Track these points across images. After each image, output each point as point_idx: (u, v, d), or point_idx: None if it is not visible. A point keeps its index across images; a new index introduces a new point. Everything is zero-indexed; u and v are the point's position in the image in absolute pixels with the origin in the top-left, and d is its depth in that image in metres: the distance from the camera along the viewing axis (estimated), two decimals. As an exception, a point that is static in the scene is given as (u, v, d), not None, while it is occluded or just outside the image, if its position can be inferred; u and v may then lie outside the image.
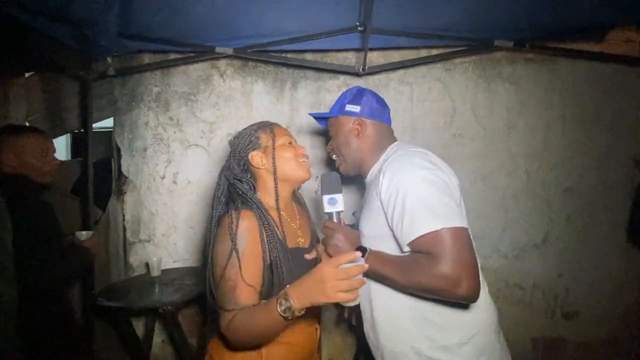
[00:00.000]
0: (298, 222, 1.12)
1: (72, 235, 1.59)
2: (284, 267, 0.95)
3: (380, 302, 1.05)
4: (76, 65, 1.82)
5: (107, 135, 2.34)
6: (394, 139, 1.18)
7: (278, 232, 0.99)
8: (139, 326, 2.03)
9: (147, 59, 2.05)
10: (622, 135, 2.10)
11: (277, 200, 1.04)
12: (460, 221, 0.91)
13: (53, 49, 1.68)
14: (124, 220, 2.12)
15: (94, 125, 2.04)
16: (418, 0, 1.53)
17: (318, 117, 1.33)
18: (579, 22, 1.75)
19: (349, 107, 1.16)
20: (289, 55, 2.01)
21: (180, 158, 2.10)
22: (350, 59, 2.08)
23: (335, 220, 1.08)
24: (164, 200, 2.11)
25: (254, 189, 1.08)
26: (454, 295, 0.89)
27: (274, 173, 1.04)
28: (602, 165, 2.10)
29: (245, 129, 1.11)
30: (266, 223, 0.97)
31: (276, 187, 1.04)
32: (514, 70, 2.08)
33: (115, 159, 2.14)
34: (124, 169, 2.10)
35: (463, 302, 0.95)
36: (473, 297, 0.89)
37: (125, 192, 2.11)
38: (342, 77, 2.09)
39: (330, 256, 1.01)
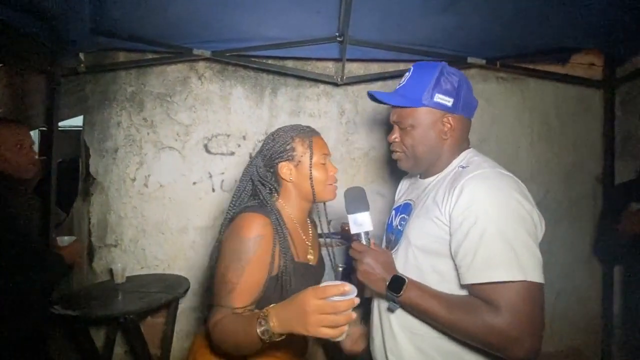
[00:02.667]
0: (310, 238, 1.07)
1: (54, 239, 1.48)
2: (292, 280, 0.92)
3: (403, 336, 0.93)
4: (44, 60, 1.74)
5: (74, 134, 2.25)
6: (468, 143, 1.00)
7: (291, 245, 0.96)
8: (99, 336, 1.92)
9: (122, 57, 1.99)
10: (585, 154, 2.22)
11: (299, 214, 1.03)
12: (541, 276, 0.78)
13: (20, 41, 1.60)
14: (89, 223, 2.02)
15: (62, 123, 1.95)
16: (396, 14, 1.57)
17: (378, 100, 1.04)
18: (545, 45, 1.85)
19: (440, 98, 0.91)
20: (270, 61, 2.01)
21: (152, 160, 2.04)
22: (330, 68, 2.10)
23: (363, 241, 0.93)
24: (134, 204, 2.03)
25: (277, 195, 1.03)
26: (507, 354, 0.78)
27: (310, 193, 1.00)
28: (567, 182, 2.20)
29: (283, 131, 1.02)
30: (281, 234, 0.94)
31: (312, 206, 1.03)
32: (486, 87, 2.17)
33: (83, 159, 2.04)
34: (92, 170, 2.01)
35: None
36: (530, 358, 0.78)
37: (92, 194, 2.02)
38: (321, 86, 2.11)
39: (360, 282, 0.89)
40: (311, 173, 0.98)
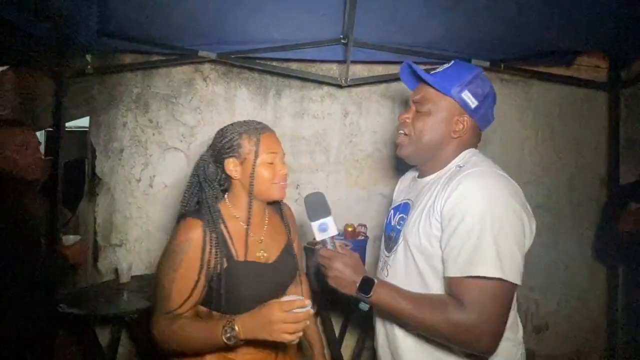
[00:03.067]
0: (264, 235, 1.05)
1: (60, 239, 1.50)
2: (223, 283, 0.93)
3: (404, 334, 0.94)
4: (52, 62, 1.77)
5: (80, 135, 2.27)
6: (471, 146, 0.99)
7: (230, 245, 0.97)
8: (104, 335, 1.94)
9: (128, 58, 2.01)
10: (590, 156, 2.21)
11: (250, 213, 0.99)
12: (517, 278, 0.79)
13: (29, 43, 1.62)
14: (95, 223, 2.04)
15: (69, 124, 1.98)
16: (400, 16, 1.58)
17: (414, 74, 1.02)
18: (550, 47, 1.85)
19: (467, 96, 0.91)
20: (274, 63, 2.02)
21: (157, 161, 2.05)
22: (334, 70, 2.12)
23: (329, 246, 0.94)
24: (139, 204, 2.05)
25: (223, 193, 1.03)
26: (469, 347, 0.82)
27: (249, 192, 0.99)
28: (571, 184, 2.20)
29: (232, 126, 1.02)
30: (213, 236, 0.93)
31: (250, 204, 0.99)
32: (490, 89, 2.17)
33: (89, 160, 2.07)
34: (97, 170, 2.03)
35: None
36: (489, 354, 0.82)
37: (97, 194, 2.04)
38: (325, 88, 2.12)
39: (331, 287, 0.91)
40: (253, 171, 0.97)
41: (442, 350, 0.89)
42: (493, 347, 0.80)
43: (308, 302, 0.83)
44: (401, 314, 0.85)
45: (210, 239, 0.93)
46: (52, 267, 1.35)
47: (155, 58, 1.99)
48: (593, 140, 2.21)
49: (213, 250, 0.93)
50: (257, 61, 1.98)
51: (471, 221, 0.80)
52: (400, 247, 0.96)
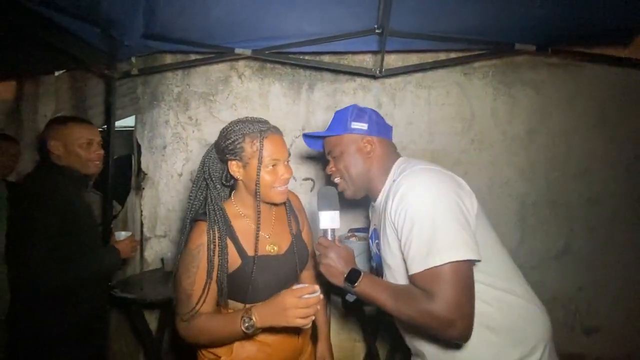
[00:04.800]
0: (272, 230, 1.08)
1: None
2: (241, 277, 0.99)
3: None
4: (102, 65, 1.90)
5: (126, 134, 2.42)
6: (398, 155, 1.11)
7: (241, 243, 1.01)
8: (152, 320, 2.07)
9: (168, 59, 2.11)
10: (651, 144, 2.01)
11: (258, 216, 1.00)
12: (465, 252, 0.85)
13: (81, 48, 1.75)
14: (141, 215, 2.18)
15: (116, 123, 2.11)
16: (437, 2, 1.51)
17: (312, 137, 1.19)
18: (605, 26, 1.69)
19: (356, 125, 1.07)
20: (307, 57, 2.03)
21: (197, 156, 2.14)
22: (367, 61, 2.08)
23: (330, 237, 1.02)
24: (181, 197, 2.15)
25: (229, 192, 1.07)
26: (445, 336, 0.87)
27: (254, 196, 0.99)
28: (627, 175, 2.02)
29: (236, 126, 1.00)
30: (218, 237, 0.97)
31: (258, 208, 1.00)
32: (535, 75, 2.03)
33: (135, 156, 2.20)
34: (143, 166, 2.16)
35: (454, 342, 0.91)
36: (464, 339, 0.87)
37: (143, 188, 2.17)
38: (358, 80, 2.09)
39: (322, 274, 0.99)
40: (258, 178, 0.98)
41: (462, 352, 0.92)
42: (466, 331, 0.85)
43: (317, 287, 0.89)
44: (384, 306, 0.92)
45: (216, 240, 0.97)
46: (107, 261, 1.43)
47: (193, 57, 2.07)
48: (655, 127, 2.01)
49: (217, 251, 0.97)
50: (290, 56, 2.00)
51: (412, 218, 0.89)
52: (386, 272, 1.03)
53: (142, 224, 2.18)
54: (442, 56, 2.00)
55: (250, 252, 1.01)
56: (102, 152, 1.48)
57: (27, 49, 1.79)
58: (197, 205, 1.04)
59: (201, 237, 0.97)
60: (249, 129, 0.99)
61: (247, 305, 0.93)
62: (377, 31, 1.69)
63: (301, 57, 2.02)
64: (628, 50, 1.95)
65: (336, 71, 2.05)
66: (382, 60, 1.89)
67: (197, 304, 0.95)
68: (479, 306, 0.86)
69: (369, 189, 1.09)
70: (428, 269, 0.85)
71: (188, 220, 1.03)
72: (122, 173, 2.21)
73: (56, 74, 2.18)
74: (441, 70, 2.04)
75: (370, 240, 1.16)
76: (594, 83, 2.02)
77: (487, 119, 2.05)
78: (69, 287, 1.31)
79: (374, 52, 2.03)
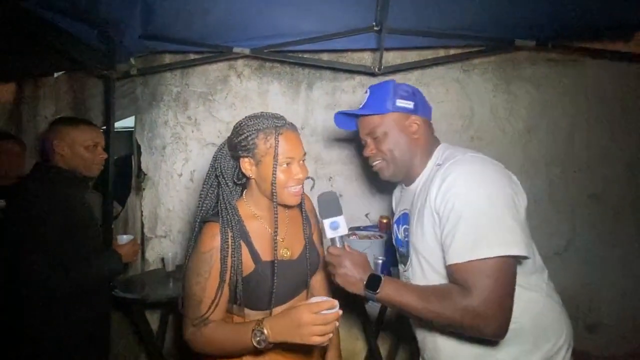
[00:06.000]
0: (286, 233, 1.02)
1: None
2: (253, 282, 0.93)
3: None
4: (101, 66, 1.90)
5: (127, 134, 2.42)
6: (438, 140, 1.06)
7: (254, 246, 0.95)
8: (153, 320, 2.08)
9: (167, 59, 2.11)
10: (653, 140, 2.00)
11: (275, 220, 0.92)
12: (518, 248, 0.81)
13: (80, 49, 1.75)
14: (142, 216, 2.18)
15: (116, 124, 2.12)
16: (435, -1, 1.51)
17: (348, 114, 1.10)
18: (605, 21, 1.68)
19: (402, 103, 0.99)
20: (305, 55, 2.02)
21: (197, 156, 2.15)
22: (366, 59, 2.08)
23: (338, 245, 0.95)
24: (181, 197, 2.16)
25: (241, 190, 1.01)
26: (480, 332, 0.83)
27: (270, 198, 0.93)
28: (630, 171, 2.00)
29: (249, 122, 0.94)
30: (231, 240, 0.91)
31: (275, 210, 0.92)
32: (535, 71, 2.02)
33: (135, 157, 2.21)
34: (143, 167, 2.16)
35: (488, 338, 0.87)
36: (500, 336, 0.83)
37: (143, 189, 2.17)
38: (357, 78, 2.08)
39: (338, 285, 0.93)
40: (274, 178, 0.90)
41: (480, 347, 0.89)
42: (503, 328, 0.81)
43: (336, 302, 0.80)
44: (409, 308, 0.87)
45: (229, 243, 0.91)
46: (109, 266, 1.41)
47: (192, 57, 2.07)
48: (657, 123, 1.99)
49: (230, 254, 0.91)
50: (289, 54, 1.99)
51: (461, 208, 0.84)
52: (413, 259, 0.98)
53: (142, 225, 2.18)
54: (441, 53, 1.99)
55: (264, 256, 0.95)
56: (105, 155, 1.48)
57: (26, 50, 1.80)
58: (207, 204, 0.98)
59: (213, 240, 0.91)
60: (263, 124, 0.93)
61: (259, 318, 0.86)
62: (375, 28, 1.68)
63: (300, 55, 2.01)
64: (628, 45, 1.93)
65: (335, 69, 2.05)
66: (381, 57, 1.88)
67: (207, 310, 0.89)
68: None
69: (409, 170, 1.02)
70: (471, 261, 0.81)
71: (198, 221, 0.97)
72: (123, 174, 2.21)
73: (55, 75, 2.19)
74: (440, 67, 2.03)
75: (395, 226, 1.11)
76: (594, 78, 2.01)
77: (487, 116, 2.04)
78: (71, 293, 1.30)
79: (372, 50, 2.02)
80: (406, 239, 1.02)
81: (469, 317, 0.80)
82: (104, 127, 2.04)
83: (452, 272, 0.85)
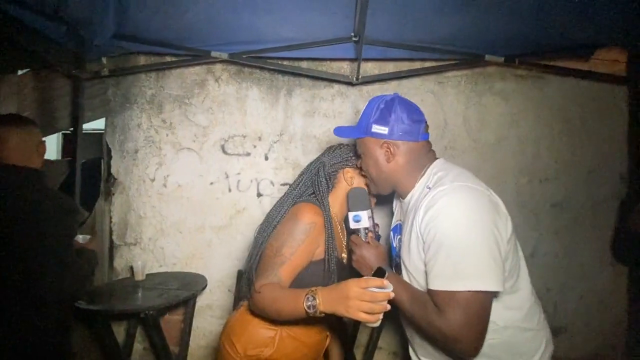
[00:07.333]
0: (345, 238, 1.22)
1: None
2: (335, 269, 1.07)
3: None
4: (70, 65, 1.82)
5: (97, 137, 2.32)
6: (434, 156, 1.07)
7: (335, 238, 1.10)
8: (120, 332, 1.98)
9: (142, 60, 2.05)
10: (609, 152, 2.14)
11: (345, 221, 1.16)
12: (489, 283, 0.85)
13: (47, 47, 1.67)
14: (110, 222, 2.08)
15: (85, 126, 2.02)
16: (412, 13, 1.56)
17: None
18: (566, 41, 1.80)
19: (376, 128, 1.03)
20: (285, 62, 2.03)
21: (171, 161, 2.09)
22: (345, 68, 2.11)
23: (362, 236, 1.10)
24: (153, 203, 2.08)
25: (329, 191, 1.18)
26: (452, 351, 0.91)
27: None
28: (589, 181, 2.13)
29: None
30: (329, 226, 1.08)
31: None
32: (504, 86, 2.12)
33: (105, 160, 2.11)
34: (113, 171, 2.08)
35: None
36: (470, 357, 0.90)
37: (113, 194, 2.08)
38: (336, 86, 2.11)
39: (356, 270, 1.09)
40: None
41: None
42: (474, 347, 0.87)
43: (387, 283, 0.82)
44: (400, 306, 0.95)
45: (328, 229, 1.07)
46: (90, 265, 1.40)
47: (168, 59, 2.02)
48: (613, 136, 2.14)
49: (328, 236, 1.07)
50: (268, 61, 1.99)
51: (442, 239, 0.88)
52: (403, 271, 1.04)
53: (111, 231, 2.08)
54: (417, 65, 2.06)
55: (338, 252, 1.12)
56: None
57: (-14, 45, 1.69)
58: (302, 189, 1.15)
59: (316, 216, 1.06)
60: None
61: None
62: (354, 39, 1.71)
63: (279, 62, 2.01)
64: (588, 64, 2.08)
65: (314, 77, 2.06)
66: (359, 67, 1.92)
67: (283, 270, 1.00)
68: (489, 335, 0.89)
69: (396, 188, 1.09)
70: (447, 291, 0.87)
71: (290, 198, 1.13)
72: (91, 177, 2.11)
73: (19, 72, 2.07)
74: (416, 79, 2.10)
75: (392, 233, 1.18)
76: (557, 94, 2.14)
77: (460, 127, 2.12)
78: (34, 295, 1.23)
79: (351, 60, 2.06)
80: (397, 250, 1.12)
81: (440, 335, 0.88)
82: (72, 129, 1.95)
83: (431, 295, 0.91)
